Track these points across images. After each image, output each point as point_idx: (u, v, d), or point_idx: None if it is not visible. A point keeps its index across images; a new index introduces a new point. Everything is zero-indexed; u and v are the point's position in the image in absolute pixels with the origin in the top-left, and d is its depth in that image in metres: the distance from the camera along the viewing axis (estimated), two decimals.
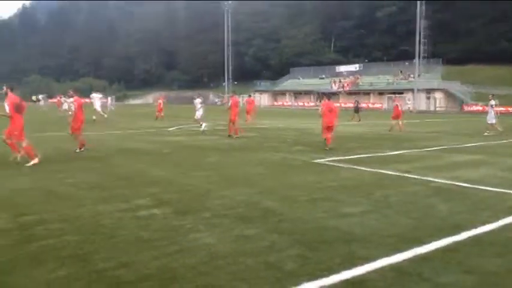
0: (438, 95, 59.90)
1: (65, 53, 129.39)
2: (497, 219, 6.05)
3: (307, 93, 75.81)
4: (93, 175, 9.33)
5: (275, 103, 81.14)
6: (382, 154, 13.24)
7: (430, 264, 4.40)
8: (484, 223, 5.84)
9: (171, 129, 22.62)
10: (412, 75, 62.76)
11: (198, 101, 23.53)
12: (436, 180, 8.87)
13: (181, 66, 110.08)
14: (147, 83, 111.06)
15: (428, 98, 60.65)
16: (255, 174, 9.62)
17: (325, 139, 14.45)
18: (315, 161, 11.54)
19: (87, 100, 32.18)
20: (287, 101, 78.94)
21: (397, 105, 24.16)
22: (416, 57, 58.93)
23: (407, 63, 66.79)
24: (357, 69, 76.04)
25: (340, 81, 72.86)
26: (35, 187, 8.00)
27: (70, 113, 14.35)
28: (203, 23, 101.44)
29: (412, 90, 60.23)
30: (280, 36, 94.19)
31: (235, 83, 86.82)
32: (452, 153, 13.48)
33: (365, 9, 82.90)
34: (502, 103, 34.13)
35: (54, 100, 47.55)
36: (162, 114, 31.55)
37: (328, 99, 15.28)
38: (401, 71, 67.36)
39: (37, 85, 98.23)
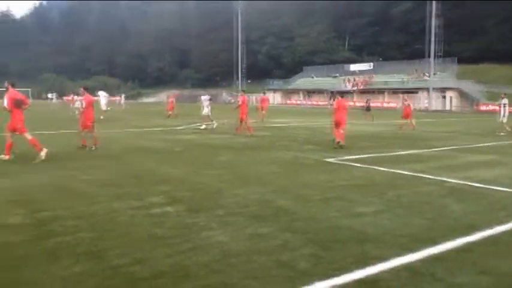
0: (452, 94, 59.34)
1: (79, 52, 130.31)
2: None
3: (320, 91, 75.56)
4: (106, 173, 9.42)
5: (287, 101, 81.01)
6: (395, 153, 13.17)
7: (443, 265, 4.37)
8: (499, 223, 5.78)
9: (182, 127, 22.68)
10: (426, 74, 62.22)
11: (205, 98, 23.57)
12: (450, 180, 8.80)
13: (194, 65, 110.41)
14: (160, 82, 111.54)
15: (443, 97, 60.11)
16: (267, 173, 9.63)
17: (334, 138, 14.47)
18: (327, 160, 11.52)
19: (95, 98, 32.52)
20: (299, 100, 78.78)
21: (407, 104, 24.00)
22: (432, 56, 58.34)
23: (421, 62, 66.23)
24: (371, 67, 75.58)
25: (353, 80, 72.49)
26: (49, 184, 8.10)
27: (78, 111, 14.50)
28: (215, 21, 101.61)
29: (426, 89, 59.72)
30: (293, 34, 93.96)
31: (248, 81, 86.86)
32: (466, 153, 13.36)
33: (379, 6, 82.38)
34: None
35: (69, 98, 47.97)
36: (172, 112, 31.67)
37: (341, 97, 15.56)
38: (416, 70, 66.81)
39: (51, 83, 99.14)
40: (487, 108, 53.30)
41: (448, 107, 58.41)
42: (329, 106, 15.50)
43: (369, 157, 12.15)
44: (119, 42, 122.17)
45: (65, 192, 7.46)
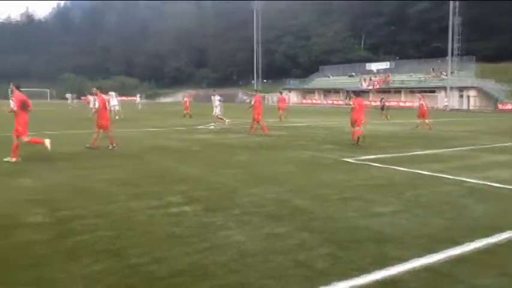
0: (472, 93, 58.50)
1: (99, 52, 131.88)
2: None
3: (337, 91, 75.21)
4: (124, 172, 9.51)
5: (304, 101, 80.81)
6: (413, 153, 13.03)
7: (464, 266, 4.31)
8: None
9: (200, 127, 22.76)
10: (444, 73, 61.45)
11: (216, 98, 23.64)
12: (469, 180, 8.68)
13: (211, 64, 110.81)
14: (177, 81, 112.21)
15: (461, 96, 59.31)
16: (284, 172, 9.61)
17: (356, 136, 14.80)
18: (345, 159, 11.46)
19: (119, 98, 32.87)
20: (316, 99, 78.52)
21: (421, 103, 23.73)
22: (450, 55, 57.58)
23: (439, 61, 65.42)
24: (388, 66, 74.95)
25: (370, 79, 71.98)
26: (68, 183, 8.20)
27: (94, 110, 14.65)
28: (232, 20, 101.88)
29: (444, 88, 58.99)
30: (309, 33, 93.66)
31: (265, 81, 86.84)
32: (485, 153, 13.16)
33: (395, 5, 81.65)
34: None
35: (90, 97, 48.53)
36: (189, 112, 31.83)
37: (358, 96, 16.06)
38: (433, 69, 66.06)
39: (71, 83, 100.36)
40: (507, 107, 52.49)
41: (466, 106, 57.61)
42: (347, 105, 15.87)
43: (387, 157, 12.05)
44: (138, 42, 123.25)
45: (84, 191, 7.55)
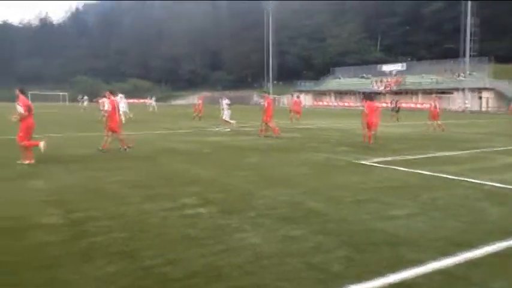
0: (487, 95, 57.83)
1: (113, 55, 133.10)
2: None
3: (350, 93, 74.91)
4: (137, 174, 9.56)
5: (317, 103, 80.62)
6: (429, 155, 12.90)
7: (480, 269, 4.25)
8: None
9: (213, 129, 22.79)
10: (462, 74, 60.77)
11: (224, 101, 23.64)
12: (486, 182, 8.55)
13: (225, 67, 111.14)
14: (192, 84, 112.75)
15: (479, 97, 58.61)
16: (298, 175, 9.59)
17: (367, 138, 15.37)
18: (359, 161, 11.38)
19: (130, 101, 33.06)
20: (329, 101, 78.27)
21: (432, 105, 23.51)
22: (467, 55, 56.94)
23: (452, 62, 64.80)
24: (402, 68, 74.46)
25: (385, 81, 71.52)
26: (81, 185, 8.27)
27: (104, 113, 14.72)
28: (246, 22, 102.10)
29: (459, 89, 58.36)
30: (324, 35, 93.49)
31: (280, 83, 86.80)
32: (502, 155, 12.97)
33: (409, 6, 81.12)
34: None
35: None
36: (200, 114, 31.91)
37: (370, 100, 16.41)
38: (450, 70, 65.40)
39: (85, 87, 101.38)
40: None
41: (481, 108, 56.93)
42: (361, 107, 16.21)
43: (401, 159, 11.95)
44: (153, 44, 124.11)
45: (97, 193, 7.61)
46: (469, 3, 55.60)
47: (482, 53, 60.29)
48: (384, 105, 35.18)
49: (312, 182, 8.63)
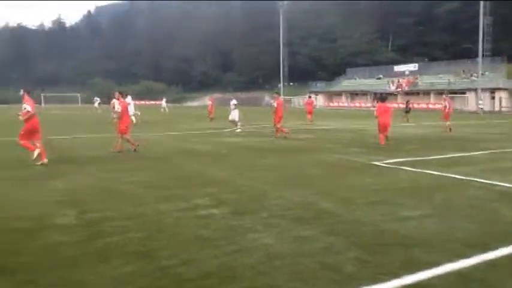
0: (501, 95, 57.11)
1: (126, 56, 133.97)
2: None
3: (364, 93, 74.52)
4: (152, 174, 9.65)
5: (330, 104, 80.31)
6: (442, 156, 12.81)
7: (496, 271, 4.23)
8: None
9: (226, 130, 22.84)
10: (475, 75, 60.12)
11: (232, 102, 23.58)
12: (500, 183, 8.48)
13: (237, 68, 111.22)
14: (204, 85, 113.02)
15: (492, 98, 57.93)
16: (311, 176, 9.60)
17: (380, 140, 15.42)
18: (372, 162, 11.35)
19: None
20: (343, 102, 77.96)
21: (443, 105, 23.31)
22: (480, 55, 56.25)
23: (468, 62, 64.09)
24: (416, 68, 73.82)
25: (398, 81, 71.02)
26: (97, 185, 8.38)
27: (115, 115, 14.80)
28: (257, 23, 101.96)
29: (474, 90, 57.73)
30: (335, 35, 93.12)
31: (292, 84, 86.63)
32: None
33: (423, 6, 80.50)
34: None
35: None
36: (210, 115, 32.01)
37: (382, 101, 16.50)
38: (463, 70, 64.76)
39: (100, 88, 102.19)
40: None
41: (497, 108, 56.26)
42: (372, 108, 16.42)
43: (414, 160, 11.88)
44: (165, 46, 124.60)
45: (113, 193, 7.70)
46: (481, 3, 54.91)
47: (495, 53, 59.55)
48: (396, 105, 34.76)
49: (325, 183, 8.64)
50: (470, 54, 62.46)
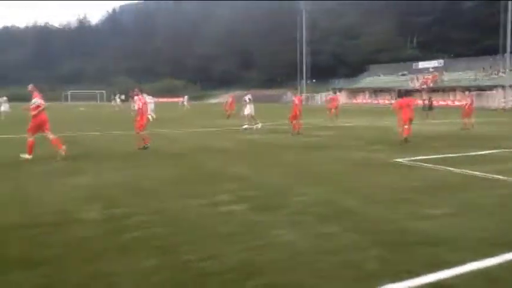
0: None
1: (148, 55, 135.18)
2: None
3: (386, 90, 73.69)
4: (174, 171, 9.74)
5: (352, 101, 79.66)
6: (467, 154, 12.60)
7: None
8: None
9: (244, 127, 22.82)
10: (502, 71, 58.79)
11: (246, 97, 23.41)
12: None
13: (257, 65, 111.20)
14: (224, 83, 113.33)
15: None
16: (333, 173, 9.56)
17: (404, 134, 15.23)
18: (396, 160, 11.22)
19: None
20: (365, 99, 77.26)
21: (467, 102, 22.93)
22: (508, 51, 54.85)
23: (493, 59, 62.74)
24: (440, 65, 72.64)
25: (422, 78, 70.01)
26: (121, 181, 8.50)
27: (134, 112, 14.90)
28: (279, 21, 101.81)
29: (497, 86, 56.45)
30: (357, 32, 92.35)
31: (313, 81, 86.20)
32: None
33: (447, 2, 79.15)
34: None
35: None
36: (229, 112, 32.03)
37: (405, 96, 16.77)
38: (489, 67, 63.43)
39: (122, 86, 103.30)
40: None
41: None
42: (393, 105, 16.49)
43: (438, 157, 11.72)
44: (186, 44, 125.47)
45: (135, 189, 7.81)
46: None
47: None
48: (420, 102, 34.15)
49: (347, 180, 8.60)
50: (494, 51, 61.08)
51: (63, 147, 11.37)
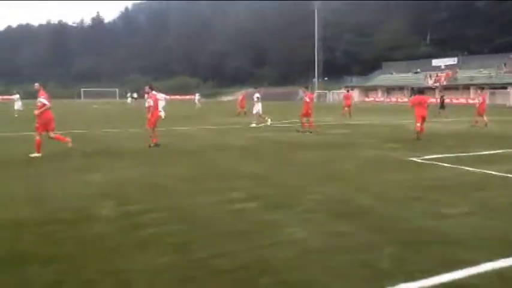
0: None
1: (162, 53, 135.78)
2: None
3: (400, 88, 73.10)
4: (187, 168, 9.77)
5: (366, 99, 79.19)
6: (481, 152, 12.42)
7: None
8: None
9: (260, 125, 22.82)
10: None
11: (255, 95, 23.34)
12: None
13: (271, 63, 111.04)
14: (238, 80, 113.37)
15: None
16: (347, 171, 9.51)
17: (417, 131, 15.47)
18: (410, 158, 11.13)
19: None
20: (379, 97, 76.74)
21: (480, 100, 22.70)
22: None
23: (509, 56, 61.90)
24: (455, 62, 71.78)
25: (436, 76, 69.28)
26: (136, 179, 8.54)
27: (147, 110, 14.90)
28: (293, 18, 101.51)
29: None
30: (371, 29, 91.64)
31: (325, 78, 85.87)
32: None
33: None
34: None
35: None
36: (242, 110, 32.01)
37: (419, 94, 16.71)
38: (504, 64, 62.60)
39: (136, 84, 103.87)
40: None
41: None
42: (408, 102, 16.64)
43: (453, 156, 11.59)
44: (200, 42, 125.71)
45: (150, 186, 7.85)
46: None
47: None
48: (434, 100, 33.89)
49: (361, 179, 8.55)
50: (509, 49, 60.19)
51: (68, 139, 11.70)
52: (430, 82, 68.23)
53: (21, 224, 5.58)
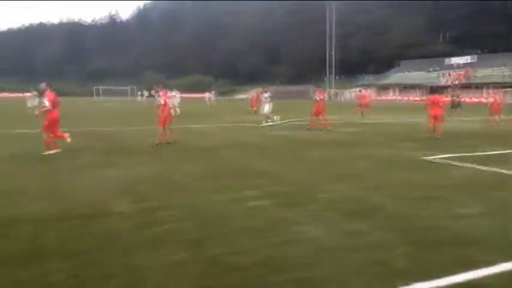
0: None
1: (176, 51, 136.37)
2: None
3: (415, 87, 72.50)
4: (203, 166, 9.84)
5: (380, 97, 78.69)
6: (496, 152, 12.28)
7: None
8: None
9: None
10: None
11: (264, 95, 23.27)
12: None
13: (285, 61, 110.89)
14: (252, 78, 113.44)
15: None
16: (361, 170, 9.49)
17: (432, 131, 15.61)
18: (425, 157, 11.06)
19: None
20: (393, 95, 76.19)
21: (495, 99, 22.59)
22: None
23: None
24: (472, 60, 70.89)
25: (452, 74, 68.56)
26: (151, 176, 8.63)
27: (158, 107, 14.96)
28: (307, 16, 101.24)
29: None
30: (385, 28, 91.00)
31: (341, 77, 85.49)
32: None
33: None
34: None
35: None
36: (253, 109, 32.03)
37: (435, 93, 16.65)
38: None
39: (150, 82, 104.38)
40: None
41: None
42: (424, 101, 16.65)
43: (468, 155, 11.48)
44: (214, 40, 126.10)
45: (165, 183, 7.93)
46: None
47: None
48: (448, 99, 33.58)
49: (377, 178, 8.52)
50: None
51: (67, 135, 11.90)
52: (447, 80, 67.51)
53: (41, 219, 5.68)
